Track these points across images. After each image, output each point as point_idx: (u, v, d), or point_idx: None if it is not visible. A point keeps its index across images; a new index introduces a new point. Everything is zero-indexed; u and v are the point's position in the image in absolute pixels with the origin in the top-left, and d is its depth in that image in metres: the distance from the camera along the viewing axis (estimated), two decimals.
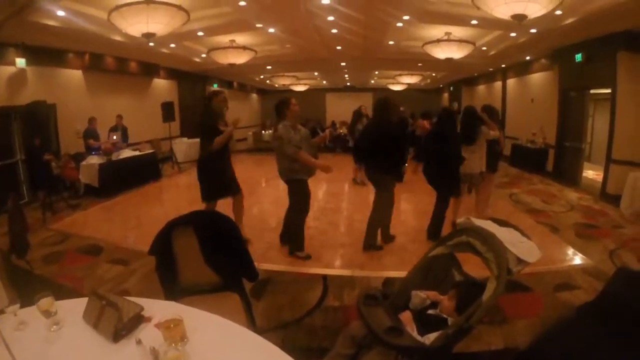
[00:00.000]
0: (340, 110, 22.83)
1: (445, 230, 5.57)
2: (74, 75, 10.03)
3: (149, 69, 13.06)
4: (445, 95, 23.17)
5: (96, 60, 10.50)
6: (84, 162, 8.83)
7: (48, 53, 9.06)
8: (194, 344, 1.71)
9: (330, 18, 8.19)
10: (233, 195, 5.35)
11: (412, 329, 2.26)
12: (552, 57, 10.86)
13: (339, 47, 11.42)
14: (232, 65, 10.90)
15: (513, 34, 9.09)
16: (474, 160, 5.83)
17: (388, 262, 5.03)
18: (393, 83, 21.02)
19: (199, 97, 16.19)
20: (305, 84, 21.85)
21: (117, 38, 8.48)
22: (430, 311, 2.44)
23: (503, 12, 6.04)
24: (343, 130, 16.40)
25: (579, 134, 9.98)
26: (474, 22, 8.05)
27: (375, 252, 5.28)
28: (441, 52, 9.72)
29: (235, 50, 10.36)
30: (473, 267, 2.75)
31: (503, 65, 13.89)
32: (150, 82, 13.59)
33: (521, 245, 2.40)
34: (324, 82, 22.66)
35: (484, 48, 10.79)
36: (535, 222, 6.72)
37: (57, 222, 6.92)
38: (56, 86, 9.41)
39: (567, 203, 8.01)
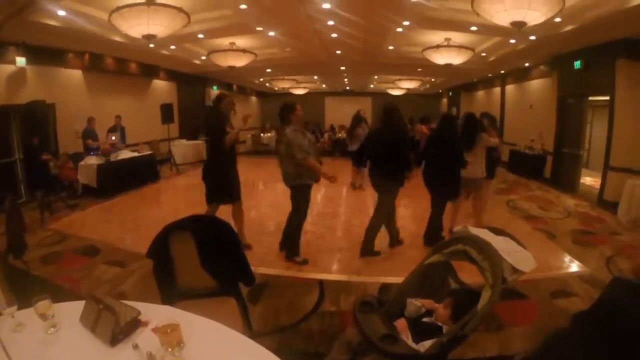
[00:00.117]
0: (339, 114, 22.86)
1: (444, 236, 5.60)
2: (74, 75, 10.03)
3: (149, 70, 13.08)
4: (444, 100, 23.22)
5: (96, 61, 10.51)
6: (82, 163, 8.83)
7: (48, 52, 9.06)
8: (190, 349, 1.71)
9: (331, 22, 8.21)
10: (233, 202, 5.35)
11: (407, 337, 2.26)
12: (551, 64, 10.90)
13: (338, 52, 11.45)
14: (231, 67, 10.92)
15: (512, 41, 9.12)
16: (476, 165, 5.84)
17: (385, 267, 5.04)
18: (392, 88, 21.06)
19: (199, 99, 16.25)
20: (304, 88, 21.88)
21: (118, 39, 8.48)
22: (425, 319, 2.44)
23: (503, 19, 6.06)
24: (342, 135, 16.38)
25: (577, 140, 10.01)
26: (474, 28, 8.08)
27: (373, 257, 5.29)
28: (441, 58, 9.74)
29: (235, 53, 10.38)
30: (469, 274, 2.76)
31: (502, 72, 13.96)
32: (149, 83, 13.60)
33: (516, 255, 2.41)
34: (324, 85, 22.71)
35: (484, 54, 10.83)
36: (532, 228, 6.74)
37: (55, 222, 6.91)
38: (56, 86, 9.41)
39: (565, 210, 8.04)
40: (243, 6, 7.19)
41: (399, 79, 18.31)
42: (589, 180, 10.26)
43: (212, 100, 5.26)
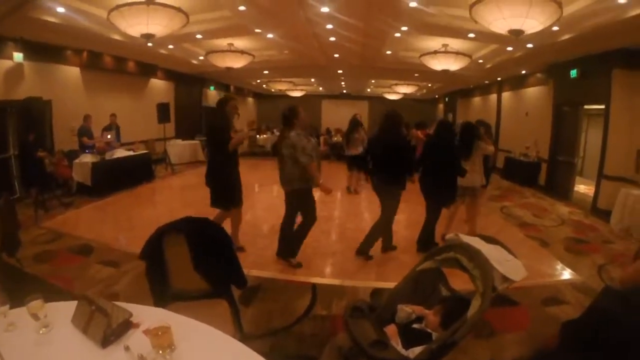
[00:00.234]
0: (335, 117, 22.93)
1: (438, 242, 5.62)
2: (72, 73, 10.01)
3: (147, 69, 13.08)
4: (441, 106, 23.30)
5: (94, 59, 10.52)
6: (77, 160, 8.81)
7: (46, 49, 9.03)
8: (181, 351, 1.72)
9: (329, 26, 8.24)
10: (235, 206, 5.35)
11: (397, 343, 2.27)
12: (547, 72, 10.97)
13: (336, 55, 11.48)
14: (229, 68, 10.94)
15: (509, 48, 9.18)
16: (475, 173, 5.86)
17: (377, 272, 5.06)
18: (389, 92, 21.10)
19: (196, 99, 16.25)
20: (301, 90, 21.89)
21: (116, 37, 8.49)
22: (415, 325, 2.46)
23: (500, 26, 6.10)
24: (337, 138, 16.33)
25: (572, 148, 10.07)
26: (471, 35, 8.13)
27: (366, 261, 5.31)
28: (438, 64, 9.80)
29: (233, 54, 10.40)
30: (461, 280, 2.77)
31: (499, 79, 14.03)
32: (147, 82, 13.59)
33: (507, 264, 2.42)
34: (321, 88, 22.76)
35: (481, 61, 10.89)
36: (525, 236, 6.77)
37: (49, 220, 6.90)
38: (53, 82, 9.38)
39: (558, 217, 8.08)
40: (242, 7, 7.21)
41: (396, 84, 18.35)
42: (583, 188, 10.32)
43: (217, 103, 5.23)
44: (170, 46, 10.32)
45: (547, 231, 7.08)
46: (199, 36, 9.25)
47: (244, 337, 2.73)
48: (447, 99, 21.51)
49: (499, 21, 6.00)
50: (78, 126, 9.40)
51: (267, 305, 4.08)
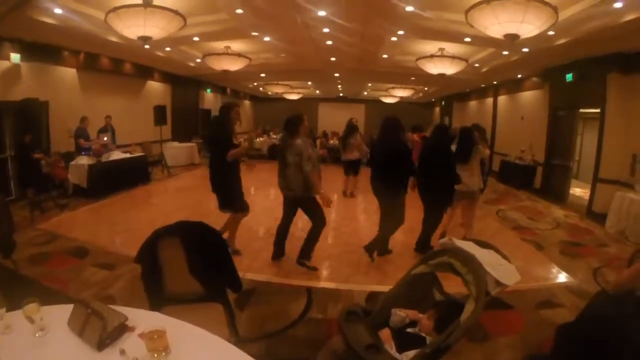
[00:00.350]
0: (332, 120, 22.98)
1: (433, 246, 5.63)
2: (68, 74, 9.97)
3: (144, 71, 13.08)
4: (437, 109, 23.37)
5: (91, 60, 10.50)
6: (73, 162, 8.79)
7: (43, 50, 9.00)
8: (176, 355, 1.73)
9: (326, 30, 8.26)
10: (243, 210, 5.36)
11: (390, 347, 2.29)
12: (543, 76, 11.03)
13: (333, 59, 11.51)
14: (226, 71, 10.94)
15: (505, 52, 9.23)
16: (473, 178, 5.88)
17: (372, 276, 5.06)
18: (385, 95, 21.16)
19: (192, 101, 16.23)
20: (298, 93, 21.94)
21: (113, 39, 8.47)
22: (409, 329, 2.47)
23: (496, 31, 6.12)
24: (334, 142, 16.27)
25: (568, 152, 10.13)
26: (468, 39, 8.16)
27: (361, 265, 5.33)
28: (434, 68, 9.82)
29: (230, 57, 10.42)
30: (455, 284, 2.78)
31: (495, 82, 14.09)
32: (144, 84, 13.58)
33: (500, 268, 2.44)
34: (317, 91, 22.80)
35: (477, 65, 10.94)
36: (520, 239, 6.79)
37: (44, 222, 6.88)
38: (50, 83, 9.35)
39: (554, 220, 8.11)
40: (239, 11, 7.22)
41: (393, 87, 18.43)
42: (579, 191, 10.38)
43: (220, 109, 5.21)
44: (168, 48, 10.32)
45: (543, 234, 7.11)
46: (196, 39, 9.25)
47: (239, 341, 2.74)
48: (443, 103, 21.58)
49: (495, 26, 6.02)
50: (75, 128, 9.38)
51: (262, 309, 4.08)
